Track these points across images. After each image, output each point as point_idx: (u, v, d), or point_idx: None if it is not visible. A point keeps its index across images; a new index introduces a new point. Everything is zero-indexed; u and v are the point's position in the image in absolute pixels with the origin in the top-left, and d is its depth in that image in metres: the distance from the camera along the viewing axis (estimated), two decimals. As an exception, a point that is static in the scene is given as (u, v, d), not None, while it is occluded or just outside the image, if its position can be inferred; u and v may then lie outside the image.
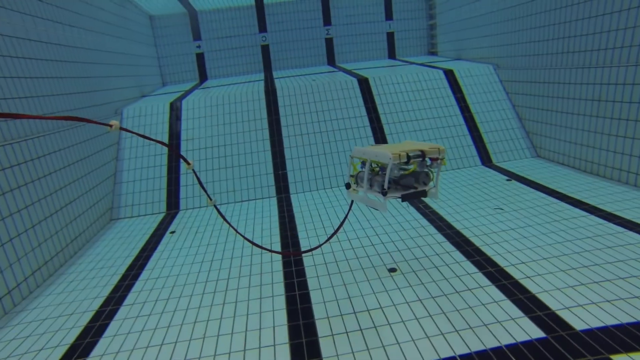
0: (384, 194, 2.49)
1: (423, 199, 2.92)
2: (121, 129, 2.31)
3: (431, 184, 2.66)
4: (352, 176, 2.85)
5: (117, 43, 6.33)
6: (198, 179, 2.90)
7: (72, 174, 4.16)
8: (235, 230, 3.16)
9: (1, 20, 3.50)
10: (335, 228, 3.94)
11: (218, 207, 3.36)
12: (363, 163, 2.71)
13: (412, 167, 2.59)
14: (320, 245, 3.23)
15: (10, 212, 3.16)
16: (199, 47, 8.76)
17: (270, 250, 3.25)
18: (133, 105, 5.97)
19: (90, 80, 5.05)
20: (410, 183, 2.61)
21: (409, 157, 2.46)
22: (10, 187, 3.21)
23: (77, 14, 4.98)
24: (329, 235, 3.50)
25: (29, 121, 3.65)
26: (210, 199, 2.92)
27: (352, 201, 3.05)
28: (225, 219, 3.04)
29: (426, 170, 2.64)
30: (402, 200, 2.59)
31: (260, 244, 3.75)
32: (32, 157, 3.55)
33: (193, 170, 2.88)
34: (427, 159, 2.54)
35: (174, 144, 5.49)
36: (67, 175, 4.06)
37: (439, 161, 2.58)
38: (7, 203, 3.14)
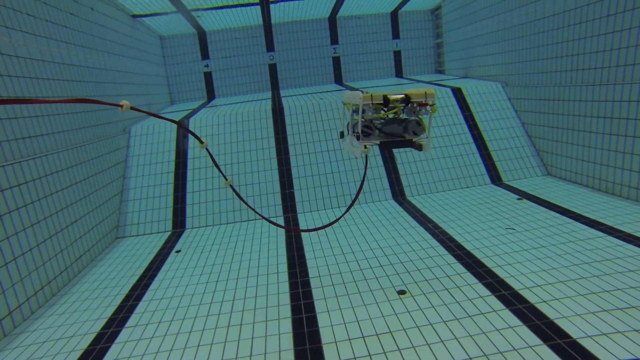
0: (357, 137, 2.33)
1: (414, 151, 2.73)
2: (132, 108, 2.27)
3: (424, 135, 2.40)
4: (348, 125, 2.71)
5: (127, 63, 6.43)
6: (212, 158, 2.86)
7: (78, 192, 4.15)
8: (249, 207, 3.15)
9: (17, 42, 3.56)
10: (346, 250, 3.86)
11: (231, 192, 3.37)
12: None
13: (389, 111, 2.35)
14: (337, 220, 3.17)
15: (16, 230, 3.14)
16: (207, 66, 8.88)
17: (276, 224, 3.23)
18: (141, 124, 6.01)
19: (99, 99, 5.10)
20: (396, 131, 2.37)
21: (387, 100, 2.21)
22: (17, 205, 3.19)
23: (88, 35, 5.07)
24: (342, 213, 3.48)
25: (38, 139, 3.67)
26: (227, 179, 2.89)
27: (366, 163, 2.92)
28: (241, 198, 3.02)
29: (415, 118, 2.37)
30: (381, 148, 2.40)
31: (267, 262, 3.69)
32: (39, 175, 3.55)
33: (207, 149, 2.85)
34: (414, 104, 2.27)
35: (181, 156, 5.49)
36: (73, 194, 4.05)
37: (428, 107, 2.31)
38: (12, 222, 3.12)
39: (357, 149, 2.45)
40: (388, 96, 2.24)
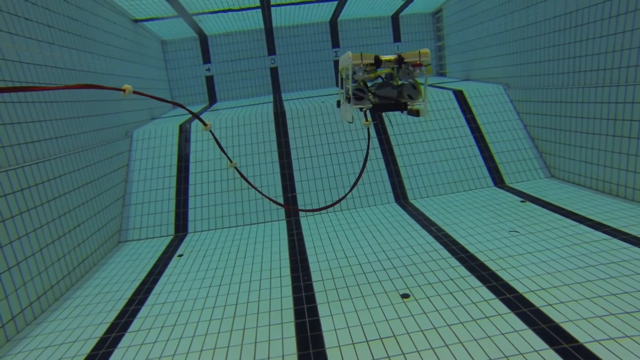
0: (348, 100, 2.29)
1: (412, 117, 2.66)
2: (134, 92, 2.26)
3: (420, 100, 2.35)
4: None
5: (130, 67, 6.45)
6: (216, 140, 2.85)
7: (80, 196, 4.15)
8: (254, 187, 3.19)
9: (20, 47, 3.58)
10: (349, 253, 3.84)
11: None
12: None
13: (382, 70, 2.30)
14: (339, 201, 3.17)
15: (19, 235, 3.14)
16: (208, 70, 8.90)
17: (278, 203, 3.36)
18: (143, 128, 6.02)
19: (102, 104, 5.11)
20: (390, 94, 2.31)
21: (378, 61, 2.15)
22: (19, 210, 3.19)
23: (90, 40, 5.09)
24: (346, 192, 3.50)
25: (40, 144, 3.67)
26: (231, 161, 2.89)
27: (369, 136, 2.88)
28: (246, 179, 3.03)
29: (411, 81, 2.31)
30: (373, 112, 2.36)
31: (270, 266, 3.67)
32: (42, 179, 3.55)
33: (211, 131, 2.84)
34: (408, 65, 2.20)
35: (183, 160, 5.49)
36: (75, 198, 4.05)
37: (423, 68, 2.24)
38: (15, 226, 3.11)
39: (349, 112, 2.41)
40: (380, 56, 2.21)
